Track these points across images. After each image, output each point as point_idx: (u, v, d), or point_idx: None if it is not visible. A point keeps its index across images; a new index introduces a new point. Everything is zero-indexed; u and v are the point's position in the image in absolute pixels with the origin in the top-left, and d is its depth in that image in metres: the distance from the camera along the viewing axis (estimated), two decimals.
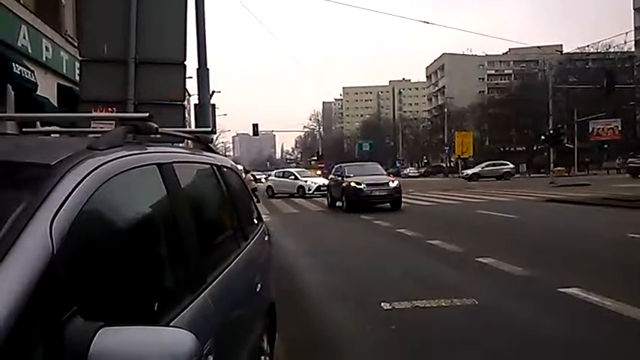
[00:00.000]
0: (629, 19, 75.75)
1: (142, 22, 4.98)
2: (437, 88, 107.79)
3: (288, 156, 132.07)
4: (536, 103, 54.48)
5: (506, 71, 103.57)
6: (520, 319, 5.06)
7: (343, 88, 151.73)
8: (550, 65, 48.81)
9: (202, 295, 1.82)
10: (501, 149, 76.76)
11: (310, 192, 26.73)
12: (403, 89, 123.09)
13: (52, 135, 2.72)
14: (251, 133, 49.43)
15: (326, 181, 26.07)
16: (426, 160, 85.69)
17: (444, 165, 70.64)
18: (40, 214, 1.14)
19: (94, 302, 1.21)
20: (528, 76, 78.74)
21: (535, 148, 64.68)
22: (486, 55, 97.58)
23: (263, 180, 60.16)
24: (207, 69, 8.58)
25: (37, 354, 1.01)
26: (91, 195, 1.29)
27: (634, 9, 76.73)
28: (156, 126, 1.95)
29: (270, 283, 3.30)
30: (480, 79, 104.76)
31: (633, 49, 66.13)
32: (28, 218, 1.12)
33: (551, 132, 33.86)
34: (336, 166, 22.20)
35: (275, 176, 31.17)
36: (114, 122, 2.80)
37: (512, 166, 49.59)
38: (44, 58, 11.56)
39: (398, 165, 72.44)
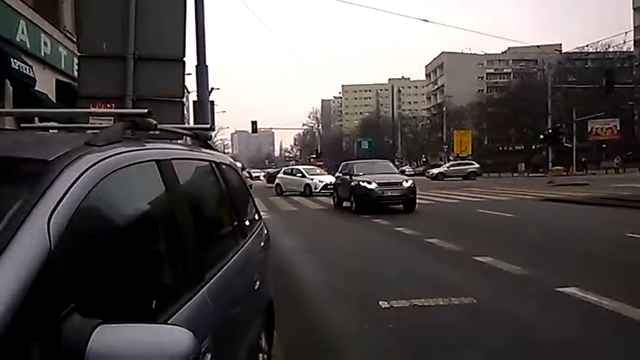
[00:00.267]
0: (629, 18, 75.94)
1: (141, 18, 4.97)
2: (436, 87, 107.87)
3: (287, 154, 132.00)
4: (535, 103, 54.51)
5: (505, 70, 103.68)
6: (518, 318, 5.06)
7: (342, 86, 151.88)
8: (549, 64, 48.83)
9: (200, 292, 1.81)
10: (500, 148, 76.98)
11: (317, 190, 25.79)
12: (402, 87, 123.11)
13: (50, 131, 2.70)
14: (250, 131, 49.43)
15: (333, 179, 25.27)
16: (424, 159, 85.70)
17: (443, 163, 70.72)
18: (38, 210, 1.13)
19: (91, 299, 1.20)
20: (527, 75, 78.85)
21: (534, 147, 64.83)
22: (485, 53, 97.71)
23: (262, 177, 60.16)
24: (206, 66, 8.59)
25: (34, 351, 1.00)
26: (89, 191, 1.28)
27: (633, 9, 76.90)
28: (155, 122, 1.94)
29: (269, 281, 3.29)
30: (479, 77, 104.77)
31: (632, 49, 66.24)
32: (26, 214, 1.11)
33: (550, 131, 33.93)
34: (342, 164, 20.46)
35: (283, 174, 30.20)
36: (112, 118, 2.79)
37: (477, 165, 49.68)
38: (43, 54, 11.54)
39: (397, 163, 72.43)
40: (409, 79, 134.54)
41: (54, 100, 11.49)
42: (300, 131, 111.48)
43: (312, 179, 27.01)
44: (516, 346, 4.29)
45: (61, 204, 1.17)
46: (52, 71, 12.15)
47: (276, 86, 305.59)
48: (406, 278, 7.02)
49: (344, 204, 18.05)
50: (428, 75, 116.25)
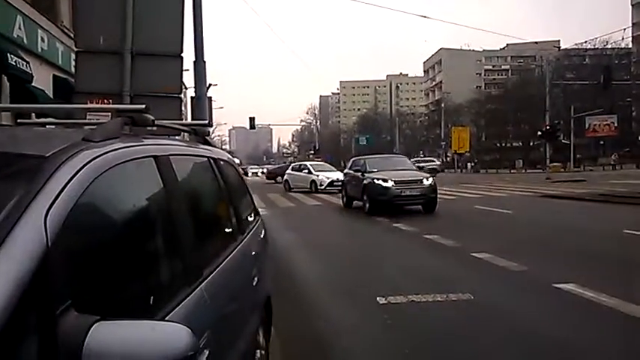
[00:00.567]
0: (627, 15, 75.94)
1: (138, 13, 4.94)
2: (434, 83, 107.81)
3: (284, 150, 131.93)
4: (533, 99, 54.60)
5: (503, 67, 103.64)
6: (515, 314, 5.07)
7: (340, 82, 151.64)
8: (547, 61, 48.99)
9: (198, 288, 1.81)
10: (498, 145, 77.07)
11: (322, 187, 25.07)
12: (400, 84, 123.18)
13: (47, 126, 2.69)
14: (247, 127, 49.32)
15: (340, 176, 24.52)
16: (422, 155, 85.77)
17: (441, 160, 70.78)
18: (35, 206, 1.12)
19: (88, 296, 1.20)
20: (525, 71, 78.94)
21: (531, 143, 64.93)
22: (484, 50, 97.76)
23: (260, 173, 60.09)
24: (204, 62, 8.57)
25: (30, 348, 0.99)
26: (87, 187, 1.28)
27: (631, 5, 76.85)
28: (152, 118, 1.93)
29: (267, 277, 3.29)
30: (477, 74, 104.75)
31: (631, 45, 66.24)
32: (22, 210, 1.10)
33: (548, 128, 33.92)
34: (353, 160, 18.68)
35: (291, 170, 29.48)
36: (110, 114, 2.78)
37: (438, 162, 49.89)
38: (40, 49, 11.49)
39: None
40: (407, 75, 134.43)
41: (51, 96, 11.44)
42: (298, 127, 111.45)
43: (317, 175, 26.17)
44: (513, 341, 4.30)
45: (58, 200, 1.16)
46: (49, 67, 12.10)
47: (274, 82, 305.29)
48: (403, 274, 7.03)
49: (354, 203, 16.60)
50: (426, 71, 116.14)
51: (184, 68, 5.60)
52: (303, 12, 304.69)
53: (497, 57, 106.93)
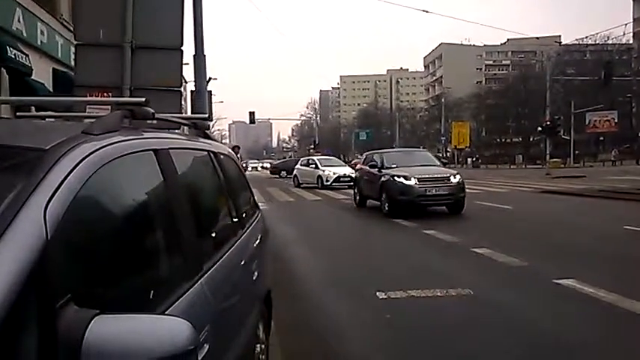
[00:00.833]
0: (628, 10, 75.71)
1: (138, 6, 4.92)
2: (434, 78, 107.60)
3: (284, 144, 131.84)
4: (534, 94, 54.53)
5: (504, 62, 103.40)
6: (515, 310, 5.08)
7: (341, 76, 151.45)
8: (548, 56, 48.86)
9: (199, 283, 1.80)
10: (498, 140, 77.06)
11: (328, 183, 24.36)
12: (401, 79, 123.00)
13: (46, 119, 2.68)
14: (247, 121, 49.26)
15: (348, 171, 24.39)
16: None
17: (441, 155, 70.74)
18: (34, 199, 1.11)
19: (88, 290, 1.19)
20: (526, 67, 78.64)
21: (531, 139, 64.94)
22: (484, 45, 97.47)
23: (259, 168, 60.08)
24: (204, 55, 8.53)
25: (30, 342, 0.99)
26: (86, 180, 1.27)
27: (633, 0, 76.56)
28: (152, 111, 1.92)
29: (267, 272, 3.29)
30: (477, 69, 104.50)
31: (631, 41, 66.07)
32: (22, 203, 1.09)
33: (548, 123, 33.89)
34: (366, 154, 17.08)
35: (300, 165, 28.62)
36: (110, 107, 2.77)
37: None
38: (39, 42, 11.44)
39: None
40: (408, 70, 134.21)
41: (50, 90, 11.41)
42: (298, 122, 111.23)
43: (323, 171, 25.36)
44: (513, 337, 4.30)
45: (57, 193, 1.16)
46: (48, 60, 12.05)
47: (275, 77, 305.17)
48: (403, 269, 7.03)
49: (368, 202, 15.13)
50: (426, 66, 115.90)
51: (184, 62, 5.58)
52: (303, 6, 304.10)
53: (498, 52, 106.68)
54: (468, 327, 4.58)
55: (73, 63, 6.11)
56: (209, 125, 3.48)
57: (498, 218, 12.40)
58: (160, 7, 5.10)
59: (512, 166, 53.34)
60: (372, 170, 14.44)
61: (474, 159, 64.89)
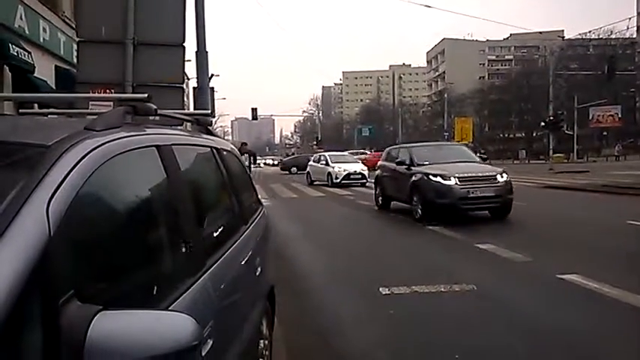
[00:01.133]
0: (632, 4, 75.27)
1: (140, 3, 4.91)
2: (437, 74, 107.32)
3: (287, 141, 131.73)
4: (537, 89, 54.37)
5: (507, 57, 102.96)
6: (519, 305, 5.07)
7: (343, 72, 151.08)
8: (551, 51, 48.68)
9: (202, 278, 1.80)
10: (501, 135, 76.89)
11: (337, 180, 23.17)
12: (403, 74, 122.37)
13: (49, 116, 2.68)
14: (250, 118, 49.20)
15: (359, 168, 23.66)
16: None
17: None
18: (37, 195, 1.11)
19: (91, 286, 1.19)
20: (529, 62, 78.41)
21: (535, 134, 64.80)
22: (487, 40, 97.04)
23: (262, 164, 60.00)
24: (206, 52, 8.50)
25: (34, 338, 0.99)
26: (89, 176, 1.27)
27: None
28: (155, 107, 1.91)
29: (270, 267, 3.29)
30: (480, 64, 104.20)
31: (635, 35, 65.75)
32: (24, 199, 1.09)
33: (551, 118, 33.76)
34: (389, 149, 14.67)
35: (313, 161, 27.37)
36: (112, 103, 2.76)
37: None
38: (41, 40, 11.45)
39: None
40: (410, 65, 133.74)
41: (53, 87, 11.42)
42: (301, 118, 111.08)
43: (333, 167, 23.96)
44: (517, 332, 4.30)
45: (60, 189, 1.15)
46: (51, 57, 12.07)
47: (277, 73, 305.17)
48: (407, 265, 7.03)
49: (392, 204, 13.30)
50: (429, 62, 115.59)
51: (186, 59, 5.57)
52: (305, 1, 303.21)
53: (501, 47, 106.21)
54: (472, 322, 4.57)
55: (75, 60, 6.12)
56: (211, 121, 3.48)
57: None
58: (162, 3, 5.09)
59: (515, 162, 53.18)
60: (398, 168, 12.43)
61: (479, 154, 64.66)
